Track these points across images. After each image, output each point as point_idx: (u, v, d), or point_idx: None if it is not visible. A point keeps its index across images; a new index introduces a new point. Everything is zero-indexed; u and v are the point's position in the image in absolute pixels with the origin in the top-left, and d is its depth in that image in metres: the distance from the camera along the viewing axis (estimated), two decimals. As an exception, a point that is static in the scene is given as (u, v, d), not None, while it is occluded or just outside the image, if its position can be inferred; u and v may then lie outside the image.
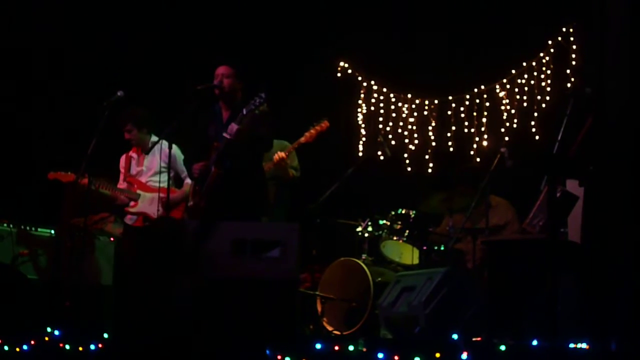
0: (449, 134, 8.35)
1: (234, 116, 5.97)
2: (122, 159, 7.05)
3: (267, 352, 4.58)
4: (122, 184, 6.95)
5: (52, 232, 7.36)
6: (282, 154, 6.73)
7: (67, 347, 5.12)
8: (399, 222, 7.05)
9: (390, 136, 8.50)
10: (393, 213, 7.10)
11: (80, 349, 5.08)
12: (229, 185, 5.90)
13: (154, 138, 6.84)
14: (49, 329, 5.30)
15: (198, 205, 5.96)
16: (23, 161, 8.26)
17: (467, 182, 7.00)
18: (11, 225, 7.21)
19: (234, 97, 6.07)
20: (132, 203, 6.85)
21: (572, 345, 4.73)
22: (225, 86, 6.02)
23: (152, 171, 6.87)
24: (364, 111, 8.65)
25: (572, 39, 7.91)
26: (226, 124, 6.00)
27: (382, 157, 8.09)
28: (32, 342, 5.20)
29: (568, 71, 7.86)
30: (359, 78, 8.68)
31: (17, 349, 5.18)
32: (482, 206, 6.56)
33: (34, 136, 8.38)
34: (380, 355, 4.37)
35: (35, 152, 8.28)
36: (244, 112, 5.83)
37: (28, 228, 7.31)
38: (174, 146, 6.45)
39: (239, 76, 6.09)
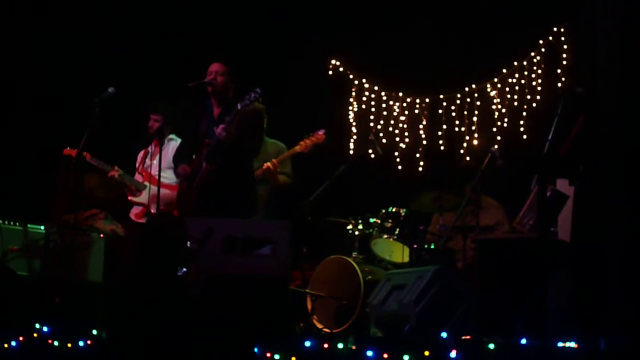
0: (439, 133, 8.35)
1: (225, 113, 5.97)
2: (140, 154, 7.13)
3: (256, 350, 4.57)
4: (136, 177, 7.02)
5: (42, 228, 7.34)
6: (269, 164, 6.67)
7: (56, 343, 5.11)
8: (390, 220, 7.05)
9: (381, 134, 8.50)
10: (384, 211, 7.10)
11: (69, 345, 5.07)
12: (220, 182, 5.90)
13: (172, 135, 6.88)
14: (37, 325, 5.28)
15: (187, 192, 5.96)
16: (13, 158, 8.23)
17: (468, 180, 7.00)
18: (1, 221, 7.19)
19: (227, 94, 6.07)
20: (137, 192, 6.91)
21: (560, 344, 4.74)
22: (219, 83, 6.02)
23: (161, 165, 6.88)
24: (355, 109, 8.65)
25: (563, 38, 7.92)
26: (218, 120, 6.00)
27: (373, 156, 8.10)
28: (21, 339, 5.19)
29: (559, 71, 7.88)
30: (350, 76, 8.67)
31: (6, 345, 5.16)
32: (473, 205, 6.57)
33: (25, 132, 8.35)
34: (370, 353, 4.37)
35: (26, 148, 8.25)
36: (239, 106, 5.84)
37: (18, 224, 7.28)
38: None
39: (232, 74, 6.09)
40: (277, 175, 6.75)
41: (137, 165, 7.11)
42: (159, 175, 6.13)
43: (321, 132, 6.85)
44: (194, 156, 6.13)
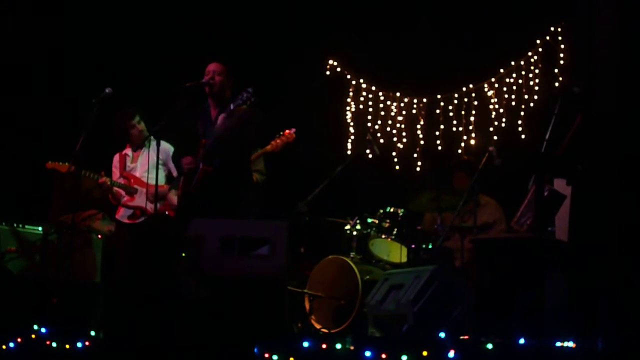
0: (437, 133, 8.36)
1: (222, 113, 5.97)
2: (116, 157, 7.08)
3: (256, 350, 4.58)
4: (120, 181, 6.99)
5: (40, 229, 7.34)
6: None
7: (54, 345, 5.11)
8: (388, 221, 7.05)
9: (378, 134, 8.50)
10: (382, 211, 7.10)
11: (67, 346, 5.06)
12: (216, 183, 5.90)
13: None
14: (35, 327, 5.28)
15: (187, 193, 5.96)
16: (11, 159, 8.23)
17: (464, 172, 7.03)
18: (-2, 223, 7.21)
19: (224, 94, 6.07)
20: (127, 197, 6.89)
21: (558, 344, 4.75)
22: (216, 83, 6.03)
23: (145, 167, 6.88)
24: (353, 109, 8.65)
25: (560, 38, 7.92)
26: (215, 121, 6.01)
27: (370, 156, 8.09)
28: (19, 340, 5.18)
29: (556, 70, 7.87)
30: (348, 76, 8.67)
31: (4, 347, 5.16)
32: (471, 204, 6.57)
33: (23, 133, 8.35)
34: (368, 354, 4.37)
35: (23, 149, 8.25)
36: (232, 107, 5.84)
37: (16, 225, 7.28)
38: (168, 144, 6.61)
39: (230, 74, 6.10)
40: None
41: (115, 169, 7.05)
42: (157, 176, 6.13)
43: (291, 131, 6.82)
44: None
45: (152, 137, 6.77)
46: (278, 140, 6.79)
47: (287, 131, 6.82)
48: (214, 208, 5.79)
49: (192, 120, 6.17)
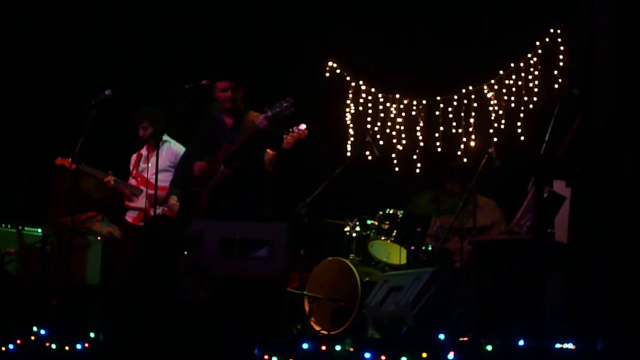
0: (437, 134, 8.36)
1: (238, 122, 6.02)
2: (133, 157, 7.11)
3: (256, 351, 4.58)
4: (130, 181, 7.01)
5: (40, 231, 7.33)
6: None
7: (54, 346, 5.11)
8: (387, 222, 7.05)
9: (378, 136, 8.50)
10: (381, 213, 7.10)
11: (67, 348, 5.07)
12: (235, 185, 5.92)
13: (166, 137, 6.89)
14: (35, 329, 5.28)
15: (200, 195, 5.96)
16: (10, 160, 8.23)
17: (456, 178, 7.05)
18: (-3, 224, 7.20)
19: (239, 105, 6.13)
20: (135, 197, 6.90)
21: (558, 346, 4.75)
22: (238, 99, 6.08)
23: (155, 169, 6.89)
24: (352, 111, 8.65)
25: (559, 40, 7.93)
26: (232, 129, 6.04)
27: (370, 157, 8.10)
28: (18, 342, 5.19)
29: (556, 72, 7.87)
30: (347, 78, 8.67)
31: (3, 348, 5.17)
32: (470, 206, 6.57)
33: (21, 136, 8.35)
34: (368, 355, 4.38)
35: (23, 151, 8.25)
36: (269, 113, 5.88)
37: (15, 227, 7.28)
38: (181, 147, 6.73)
39: (241, 85, 6.14)
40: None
41: (131, 169, 7.10)
42: (156, 179, 6.12)
43: (303, 127, 6.71)
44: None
45: (167, 139, 6.83)
46: (289, 137, 6.69)
47: (298, 127, 6.74)
48: (233, 210, 5.81)
49: (203, 127, 6.19)
